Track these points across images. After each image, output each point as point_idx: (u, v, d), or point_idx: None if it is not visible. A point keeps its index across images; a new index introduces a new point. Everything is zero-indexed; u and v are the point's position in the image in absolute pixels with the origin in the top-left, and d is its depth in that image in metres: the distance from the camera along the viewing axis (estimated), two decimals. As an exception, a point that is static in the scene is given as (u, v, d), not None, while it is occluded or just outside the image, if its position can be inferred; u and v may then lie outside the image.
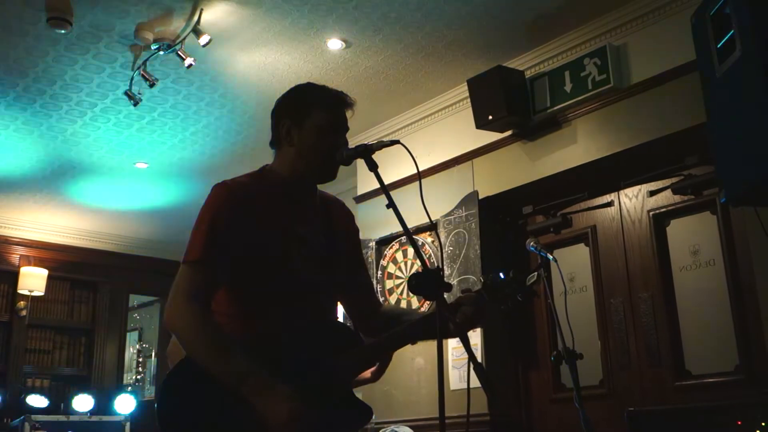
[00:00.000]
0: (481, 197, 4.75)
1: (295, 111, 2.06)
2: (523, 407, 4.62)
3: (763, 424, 2.89)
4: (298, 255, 1.98)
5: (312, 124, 2.03)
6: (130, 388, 8.56)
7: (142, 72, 4.36)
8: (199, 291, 1.86)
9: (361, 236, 2.37)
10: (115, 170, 6.14)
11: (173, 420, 1.83)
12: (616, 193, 4.38)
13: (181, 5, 3.93)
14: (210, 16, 4.01)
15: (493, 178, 4.73)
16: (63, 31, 3.97)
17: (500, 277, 2.01)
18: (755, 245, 3.49)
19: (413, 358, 4.82)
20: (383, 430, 4.60)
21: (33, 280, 7.11)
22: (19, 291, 7.10)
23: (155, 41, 4.17)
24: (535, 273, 2.06)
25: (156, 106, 5.03)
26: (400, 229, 2.63)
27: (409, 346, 2.06)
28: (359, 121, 5.17)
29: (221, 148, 5.75)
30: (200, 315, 1.85)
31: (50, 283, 7.29)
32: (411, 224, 1.94)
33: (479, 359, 4.29)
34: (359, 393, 3.88)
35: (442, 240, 4.86)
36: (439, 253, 4.87)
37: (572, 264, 4.49)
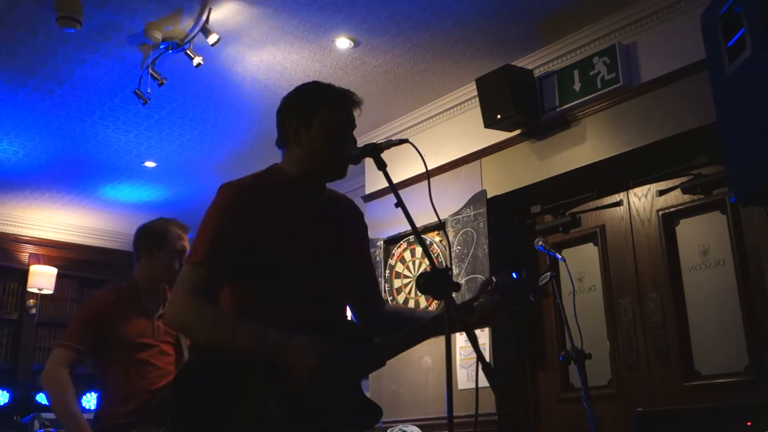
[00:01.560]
0: (489, 196, 4.74)
1: (302, 110, 2.05)
2: (531, 407, 4.61)
3: (772, 424, 2.87)
4: (305, 255, 1.98)
5: (319, 123, 2.03)
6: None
7: (150, 71, 4.37)
8: (201, 289, 1.87)
9: (369, 235, 2.36)
10: (124, 169, 6.16)
11: (185, 415, 1.84)
12: (625, 192, 4.36)
13: (190, 4, 3.94)
14: (218, 15, 4.01)
15: (502, 178, 4.72)
16: (72, 30, 3.99)
17: (513, 277, 2.01)
18: (765, 245, 3.48)
19: (421, 358, 4.82)
20: (391, 429, 4.60)
21: (42, 279, 7.15)
22: (29, 289, 7.15)
23: (164, 40, 4.18)
24: (548, 274, 2.07)
25: (164, 104, 5.04)
26: (408, 228, 2.64)
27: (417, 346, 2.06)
28: (367, 120, 5.18)
29: (229, 146, 5.76)
30: (203, 303, 1.86)
31: (59, 281, 7.33)
32: (419, 223, 1.94)
33: (487, 359, 4.29)
34: (367, 392, 3.87)
35: (450, 239, 4.86)
36: (448, 253, 4.87)
37: (581, 264, 4.47)
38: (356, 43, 4.37)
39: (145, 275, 3.06)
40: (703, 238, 3.99)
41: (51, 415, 6.05)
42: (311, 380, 1.79)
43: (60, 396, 2.86)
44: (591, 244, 4.51)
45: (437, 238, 5.00)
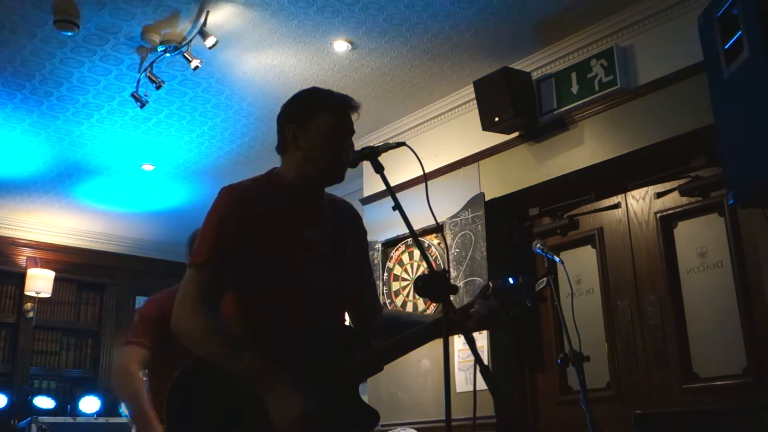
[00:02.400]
0: (487, 199, 4.74)
1: (300, 115, 2.06)
2: (529, 409, 4.61)
3: (771, 427, 2.87)
4: (304, 258, 1.98)
5: (317, 127, 2.04)
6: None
7: (148, 74, 4.36)
8: (206, 294, 1.87)
9: (368, 238, 2.36)
10: (122, 172, 6.16)
11: (183, 419, 1.84)
12: (623, 194, 4.37)
13: (188, 7, 3.94)
14: (216, 18, 4.01)
15: (500, 180, 4.72)
16: (70, 34, 3.98)
17: (510, 282, 2.01)
18: (763, 247, 3.48)
19: (419, 360, 4.82)
20: (389, 432, 4.59)
21: (40, 282, 7.14)
22: (26, 292, 7.13)
23: (162, 43, 4.17)
24: (545, 279, 2.07)
25: (162, 107, 5.04)
26: (406, 230, 2.63)
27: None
28: (365, 123, 5.17)
29: (227, 149, 5.76)
30: (210, 314, 1.85)
31: (57, 285, 7.32)
32: (417, 226, 1.94)
33: (485, 361, 4.28)
34: (365, 395, 3.87)
35: (448, 242, 4.85)
36: (445, 255, 4.86)
37: (579, 266, 4.47)
38: (354, 46, 4.37)
39: None
40: (701, 240, 3.99)
41: (48, 419, 6.05)
42: (288, 427, 1.77)
43: (135, 395, 2.83)
44: (589, 247, 4.51)
45: (435, 241, 4.99)
